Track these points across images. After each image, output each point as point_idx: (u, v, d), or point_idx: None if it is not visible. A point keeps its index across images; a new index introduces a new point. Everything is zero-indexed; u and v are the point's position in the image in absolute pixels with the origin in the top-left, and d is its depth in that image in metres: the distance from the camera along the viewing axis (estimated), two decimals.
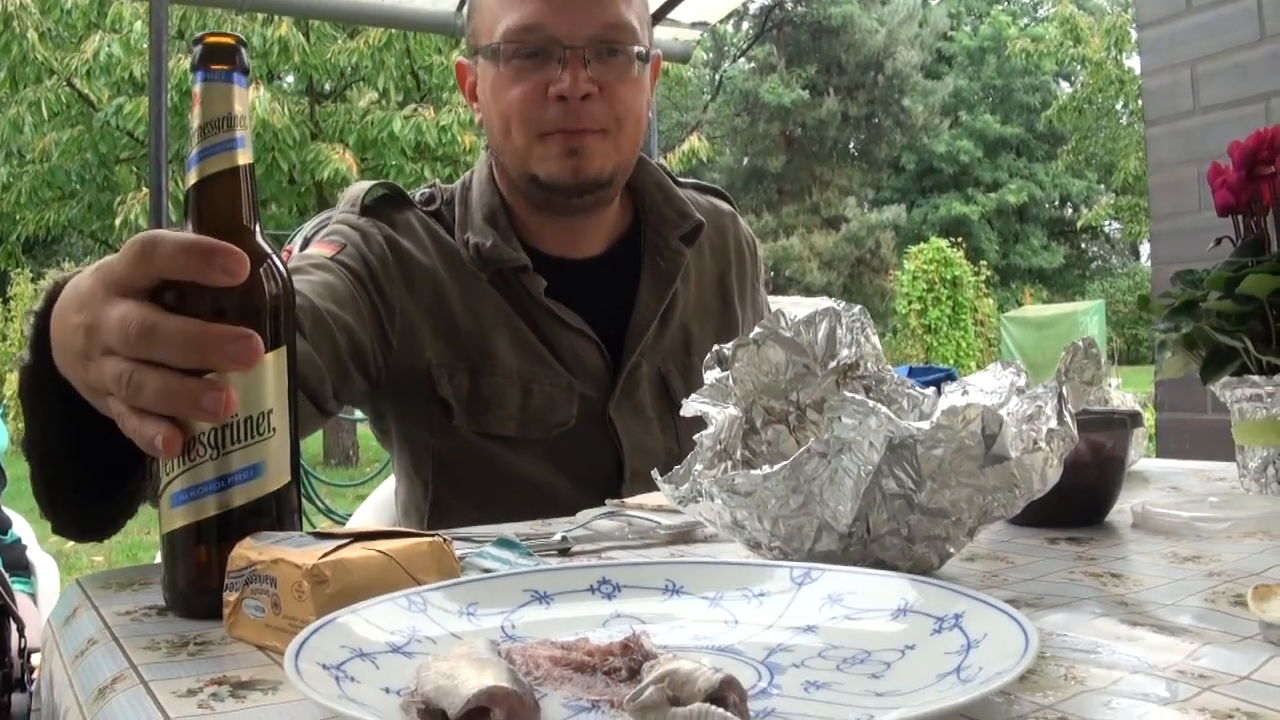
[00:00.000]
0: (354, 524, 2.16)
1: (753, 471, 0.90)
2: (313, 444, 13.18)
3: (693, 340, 1.68)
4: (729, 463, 1.07)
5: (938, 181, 34.29)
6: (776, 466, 0.88)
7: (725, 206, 1.85)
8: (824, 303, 1.14)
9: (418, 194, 1.67)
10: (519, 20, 1.49)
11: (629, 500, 1.34)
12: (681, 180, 1.80)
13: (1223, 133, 1.45)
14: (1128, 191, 22.75)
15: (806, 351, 1.12)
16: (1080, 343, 0.95)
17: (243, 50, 0.94)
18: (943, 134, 33.89)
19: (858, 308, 1.13)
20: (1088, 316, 18.81)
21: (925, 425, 0.84)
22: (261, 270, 0.92)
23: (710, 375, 1.11)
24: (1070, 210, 35.32)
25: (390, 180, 1.67)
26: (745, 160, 34.22)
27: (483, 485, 1.57)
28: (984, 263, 22.97)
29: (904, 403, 1.10)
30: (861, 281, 30.78)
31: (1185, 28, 3.18)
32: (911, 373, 1.90)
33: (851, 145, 35.31)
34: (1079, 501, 1.17)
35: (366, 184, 1.64)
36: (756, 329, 1.12)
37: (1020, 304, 26.81)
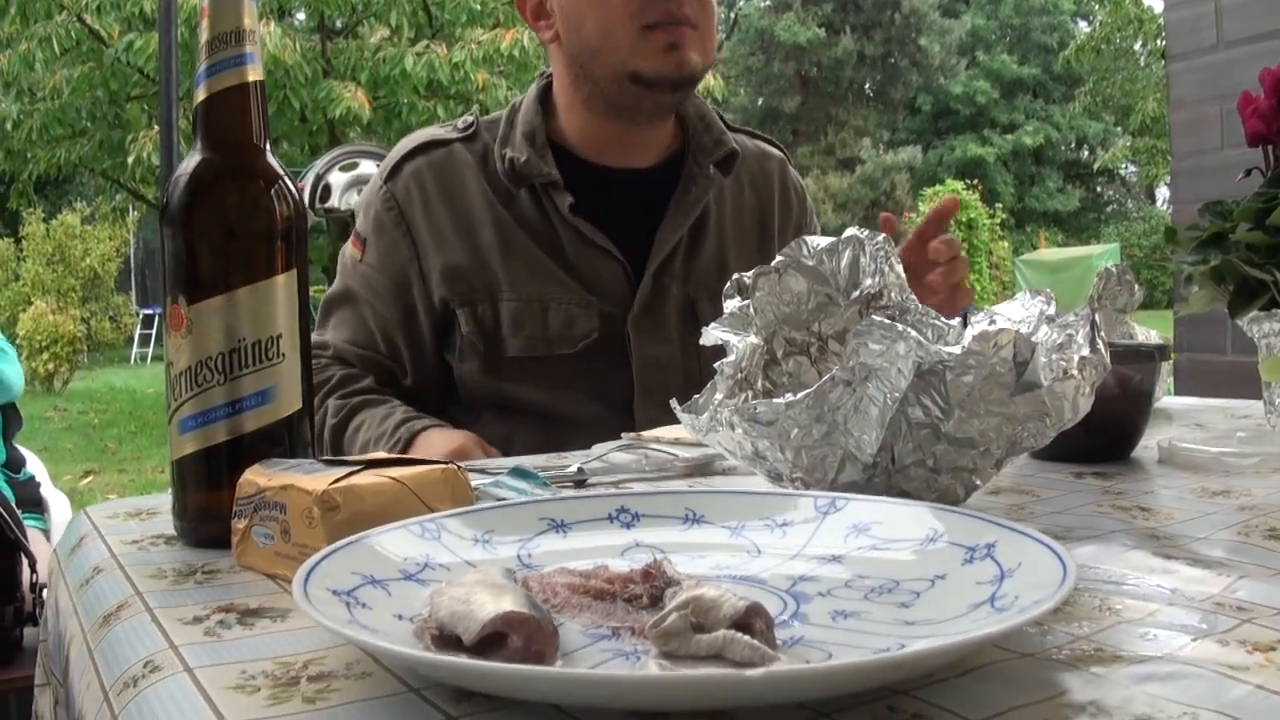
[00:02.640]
0: None
1: (775, 400, 0.87)
2: None
3: (728, 270, 1.75)
4: (749, 392, 1.04)
5: (954, 123, 34.02)
6: (800, 395, 0.86)
7: (774, 151, 1.92)
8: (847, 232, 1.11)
9: (460, 121, 1.76)
10: None
11: (645, 434, 1.32)
12: (736, 126, 1.87)
13: (1247, 68, 1.41)
14: (1144, 134, 22.54)
15: (829, 280, 1.09)
16: (1113, 268, 0.92)
17: None
18: (959, 74, 33.56)
19: (882, 236, 1.10)
20: (1103, 260, 18.67)
21: (956, 350, 0.81)
22: (273, 191, 0.89)
23: (730, 304, 1.08)
24: (1086, 153, 35.03)
25: (420, 138, 1.77)
26: (760, 100, 33.92)
27: (508, 406, 1.65)
28: (999, 205, 22.84)
29: (929, 333, 1.07)
30: (876, 224, 30.56)
31: None
32: None
33: (867, 86, 34.98)
34: (1105, 435, 1.15)
35: (406, 145, 1.74)
36: (778, 257, 1.09)
37: (1035, 247, 26.62)
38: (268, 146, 0.91)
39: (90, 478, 8.13)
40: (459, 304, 1.64)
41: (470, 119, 1.75)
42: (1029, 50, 34.61)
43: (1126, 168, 31.49)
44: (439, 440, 1.50)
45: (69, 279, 18.90)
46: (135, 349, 19.33)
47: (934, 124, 34.63)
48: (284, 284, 0.88)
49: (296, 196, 0.91)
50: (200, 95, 0.89)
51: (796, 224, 1.88)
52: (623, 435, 1.31)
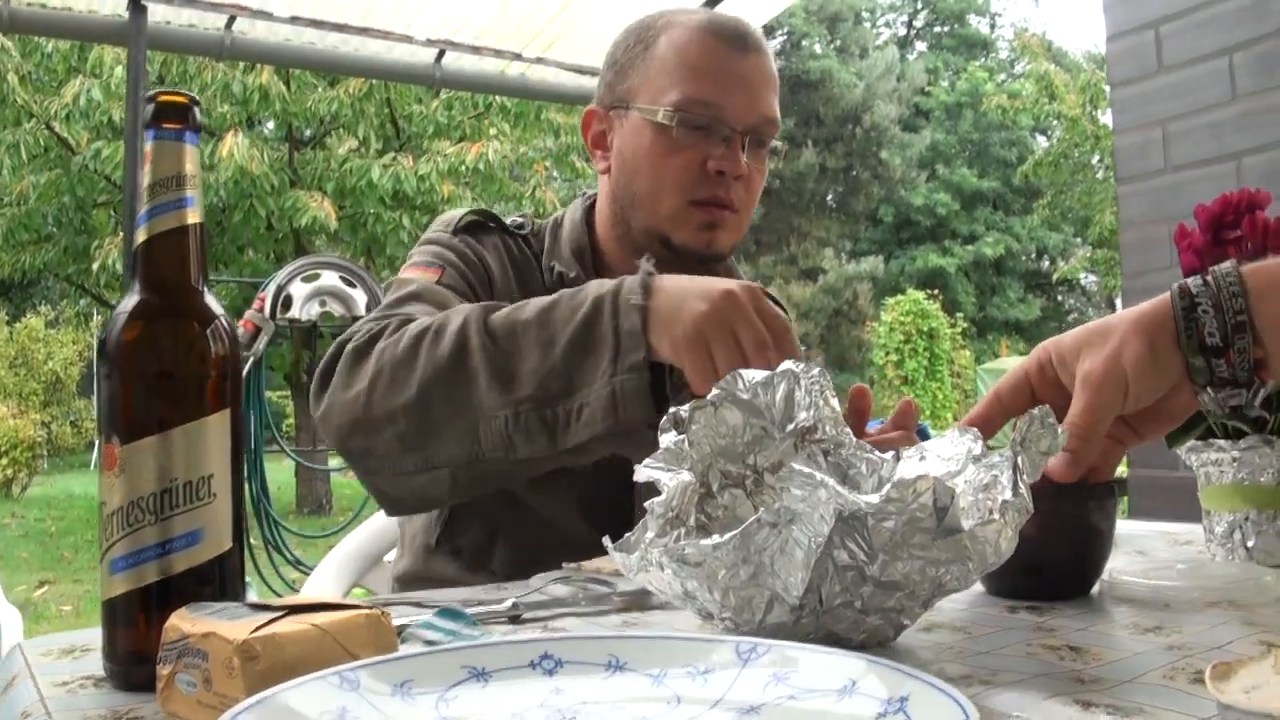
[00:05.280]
0: (314, 578, 2.14)
1: (702, 541, 0.88)
2: (285, 492, 13.09)
3: None
4: (682, 529, 1.05)
5: (915, 234, 34.43)
6: (726, 536, 0.87)
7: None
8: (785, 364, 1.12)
9: (510, 219, 1.78)
10: (696, 94, 1.60)
11: (586, 564, 1.33)
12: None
13: (1194, 191, 1.46)
14: (1103, 245, 22.85)
15: (764, 414, 1.10)
16: (1036, 412, 0.93)
17: (195, 109, 0.93)
18: (920, 187, 34.06)
19: (817, 369, 1.11)
20: None
21: (875, 499, 0.82)
22: (209, 332, 0.90)
23: (666, 439, 1.09)
24: (1046, 263, 35.47)
25: (480, 208, 1.80)
26: None
27: (502, 517, 1.63)
28: (961, 314, 23.07)
29: (862, 467, 1.08)
30: (839, 333, 30.85)
31: (1157, 87, 3.20)
32: None
33: (829, 197, 35.43)
34: (1060, 574, 1.14)
35: (460, 210, 1.76)
36: (714, 390, 1.10)
37: (997, 355, 26.90)
38: (205, 287, 0.92)
39: (45, 588, 8.02)
40: None
41: (520, 220, 1.78)
42: (988, 164, 35.17)
43: (1086, 277, 31.89)
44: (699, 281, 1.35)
45: (31, 383, 18.80)
46: (95, 454, 19.17)
47: (895, 235, 35.04)
48: (216, 423, 0.89)
49: (232, 336, 0.92)
50: (140, 237, 0.90)
51: None
52: (563, 565, 1.31)
